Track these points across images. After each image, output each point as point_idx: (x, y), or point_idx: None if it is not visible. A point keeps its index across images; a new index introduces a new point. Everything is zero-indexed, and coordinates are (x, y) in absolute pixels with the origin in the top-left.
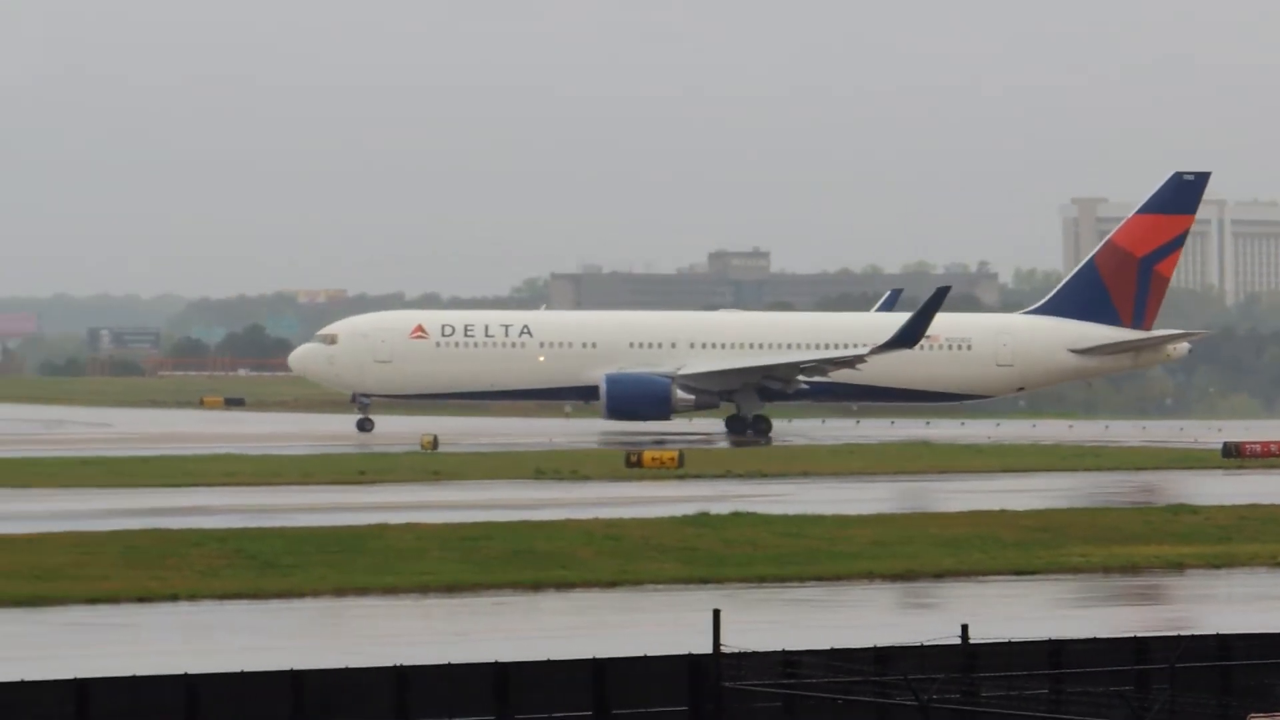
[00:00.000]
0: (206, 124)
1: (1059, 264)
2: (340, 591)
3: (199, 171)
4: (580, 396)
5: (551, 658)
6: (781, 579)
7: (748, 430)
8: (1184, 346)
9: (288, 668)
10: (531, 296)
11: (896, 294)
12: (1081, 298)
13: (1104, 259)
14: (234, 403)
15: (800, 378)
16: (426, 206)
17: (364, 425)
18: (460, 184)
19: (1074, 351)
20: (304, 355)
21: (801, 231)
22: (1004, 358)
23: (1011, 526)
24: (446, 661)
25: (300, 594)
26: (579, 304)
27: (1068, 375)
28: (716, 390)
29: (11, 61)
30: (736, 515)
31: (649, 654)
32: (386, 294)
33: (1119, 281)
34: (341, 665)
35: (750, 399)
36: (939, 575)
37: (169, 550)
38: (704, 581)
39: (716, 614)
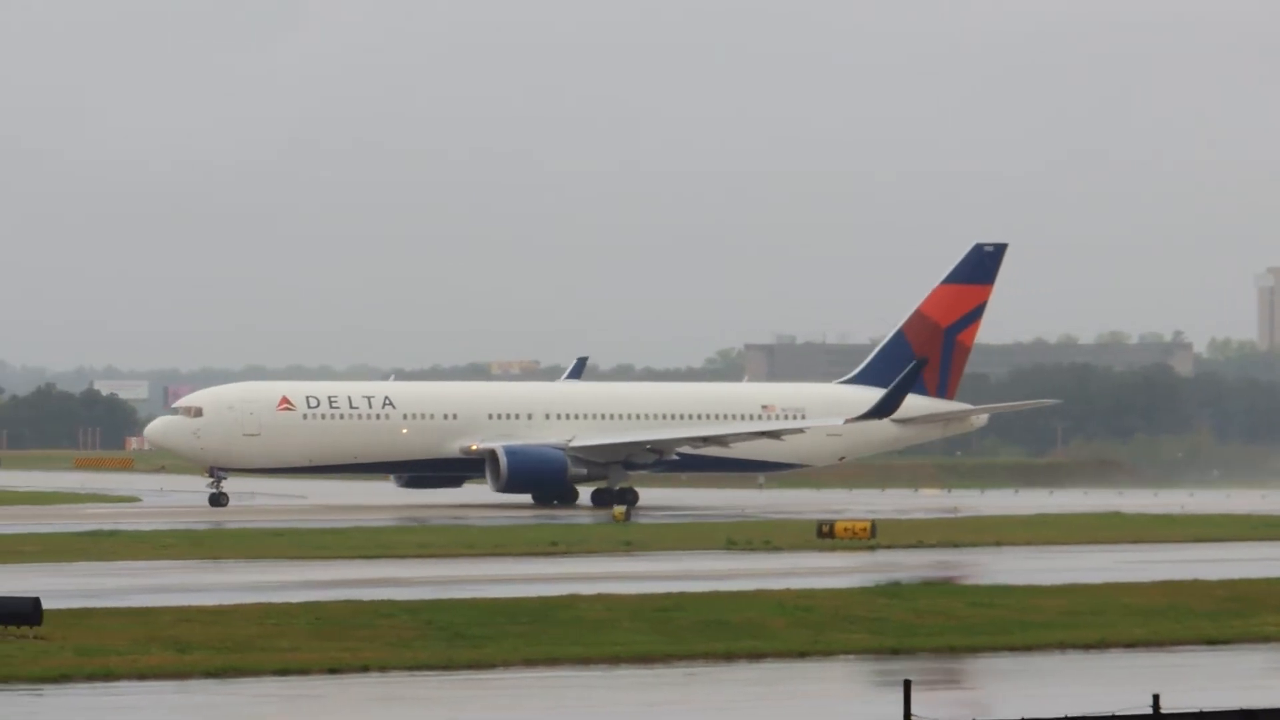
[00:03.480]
0: (394, 194)
1: (1254, 334)
2: (530, 662)
3: (391, 243)
4: (439, 469)
5: None
6: (972, 649)
7: (611, 502)
8: (984, 418)
9: None
10: (725, 367)
11: (582, 362)
12: (893, 367)
13: (912, 328)
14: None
15: (686, 449)
16: (622, 278)
17: (219, 500)
18: (654, 256)
19: (895, 421)
20: (165, 428)
21: (996, 301)
22: (834, 427)
23: (1204, 596)
24: None
25: (491, 665)
26: (772, 375)
27: (887, 445)
28: (604, 462)
29: (224, 136)
30: (927, 585)
31: None
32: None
33: (926, 351)
34: None
35: (619, 470)
36: (1130, 645)
37: (360, 621)
38: (895, 652)
39: (907, 684)
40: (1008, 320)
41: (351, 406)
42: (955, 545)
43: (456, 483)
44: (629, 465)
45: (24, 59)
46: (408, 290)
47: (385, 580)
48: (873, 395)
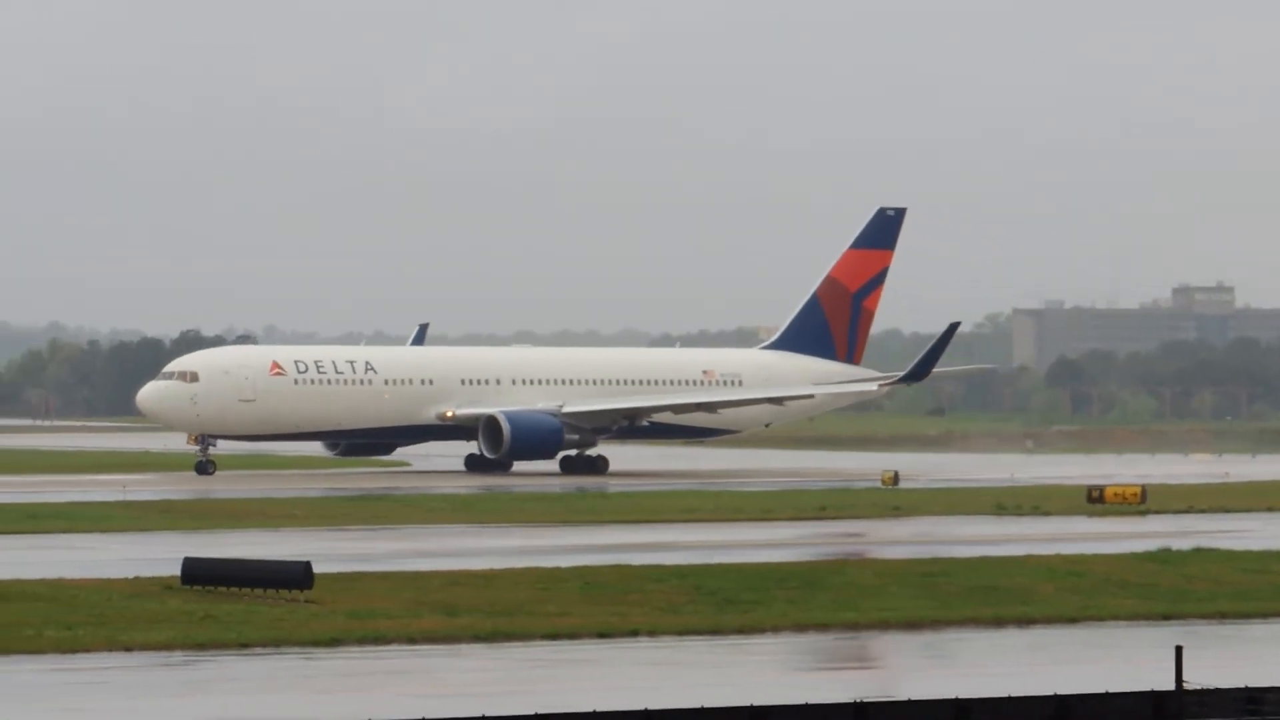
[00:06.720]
0: (650, 160)
1: None
2: (800, 627)
3: (653, 214)
4: (415, 437)
5: (1013, 694)
6: (1244, 615)
7: (582, 468)
8: (887, 386)
9: (747, 704)
10: (994, 333)
11: (424, 329)
12: (808, 332)
13: (825, 294)
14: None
15: (668, 416)
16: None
17: (205, 468)
18: (919, 219)
19: (817, 386)
20: (160, 394)
21: (1271, 264)
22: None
23: None
24: (907, 698)
25: (760, 630)
26: (1039, 340)
27: (806, 413)
28: (591, 428)
29: (507, 106)
30: (1198, 551)
31: (1110, 690)
32: None
33: (836, 316)
34: (801, 702)
35: (591, 437)
36: None
37: (629, 586)
38: (1165, 618)
39: (1179, 650)
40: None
41: (337, 371)
42: (1227, 510)
43: (388, 449)
44: (598, 431)
45: (326, 35)
46: (674, 259)
47: (653, 545)
48: (787, 361)
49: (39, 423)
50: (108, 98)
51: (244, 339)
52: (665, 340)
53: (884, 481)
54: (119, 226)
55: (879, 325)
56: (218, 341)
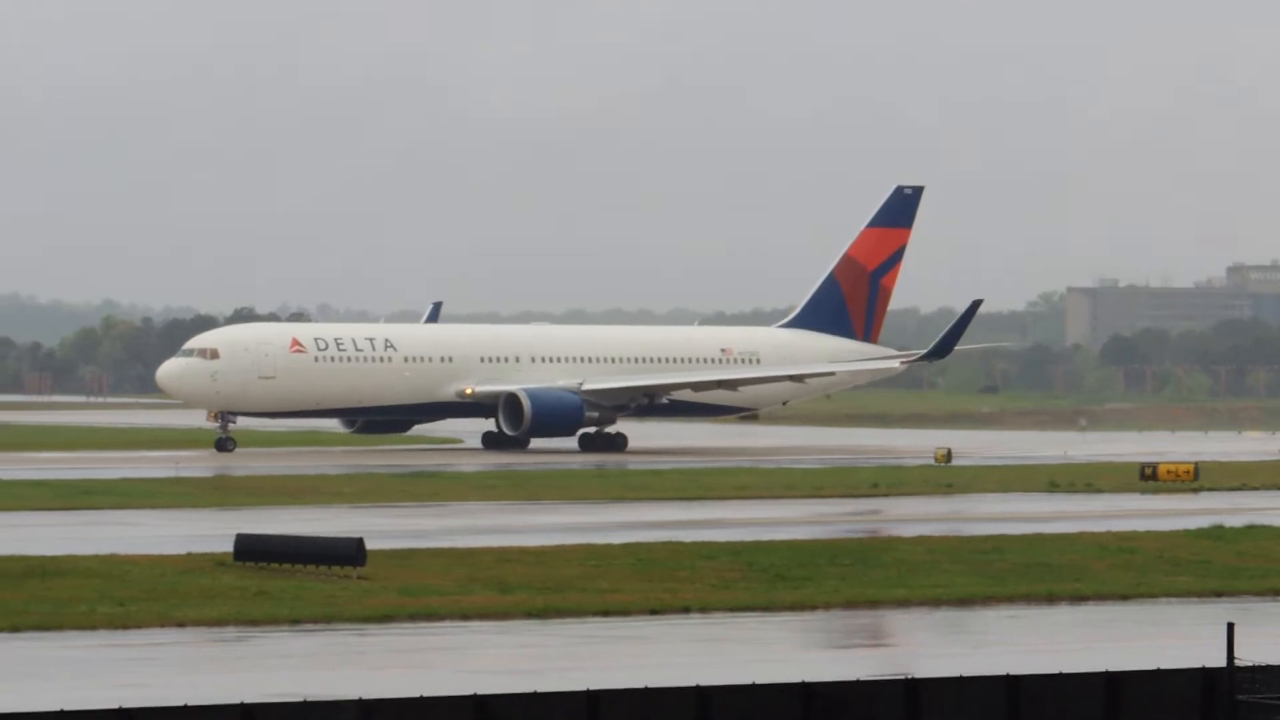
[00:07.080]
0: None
1: None
2: (851, 604)
3: (708, 200)
4: (434, 415)
5: (1064, 671)
6: None
7: (603, 445)
8: (908, 363)
9: (798, 680)
10: (1048, 311)
11: (437, 307)
12: (825, 311)
13: (842, 272)
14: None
15: (687, 393)
16: (945, 220)
17: (225, 445)
18: (975, 195)
19: (836, 364)
20: (180, 371)
21: None
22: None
23: None
24: (958, 675)
25: (812, 606)
26: (1094, 319)
27: (823, 390)
28: (610, 405)
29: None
30: (1251, 528)
31: (1161, 667)
32: (905, 308)
33: (854, 295)
34: (851, 678)
35: (611, 414)
36: None
37: (681, 563)
38: (1218, 594)
39: (1230, 627)
40: None
41: (356, 348)
42: None
43: (405, 427)
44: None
45: (371, 22)
46: (725, 242)
47: (705, 521)
48: (805, 339)
49: (92, 399)
50: (160, 71)
51: (297, 316)
52: (718, 319)
53: (937, 459)
54: (174, 205)
55: (930, 304)
56: (271, 319)
